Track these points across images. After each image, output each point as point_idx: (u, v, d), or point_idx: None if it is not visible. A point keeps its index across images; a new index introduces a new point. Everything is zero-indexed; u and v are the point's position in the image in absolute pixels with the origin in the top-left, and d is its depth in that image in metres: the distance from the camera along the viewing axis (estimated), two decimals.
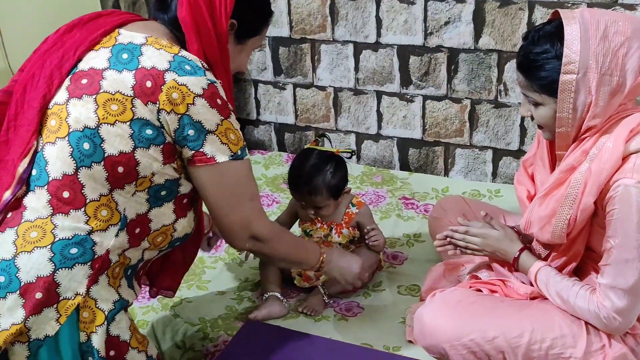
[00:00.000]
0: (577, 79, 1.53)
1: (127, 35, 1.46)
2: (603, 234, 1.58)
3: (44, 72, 1.47)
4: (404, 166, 3.07)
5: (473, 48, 2.76)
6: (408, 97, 2.95)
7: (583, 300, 1.62)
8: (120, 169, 1.41)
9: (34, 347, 1.39)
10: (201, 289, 2.20)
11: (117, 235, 1.44)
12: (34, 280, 1.37)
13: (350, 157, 2.13)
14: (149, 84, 1.38)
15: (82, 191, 1.41)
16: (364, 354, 1.84)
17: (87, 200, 1.41)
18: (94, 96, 1.40)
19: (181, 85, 1.39)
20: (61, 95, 1.44)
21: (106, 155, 1.40)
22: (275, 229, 1.67)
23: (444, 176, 3.00)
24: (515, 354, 1.67)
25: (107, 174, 1.40)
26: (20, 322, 1.36)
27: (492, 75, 2.76)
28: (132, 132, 1.39)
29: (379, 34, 2.90)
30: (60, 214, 1.41)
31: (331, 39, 3.00)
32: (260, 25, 1.62)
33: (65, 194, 1.40)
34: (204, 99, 1.40)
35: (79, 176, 1.40)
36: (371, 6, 2.86)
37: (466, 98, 2.84)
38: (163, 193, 1.48)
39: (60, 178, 1.41)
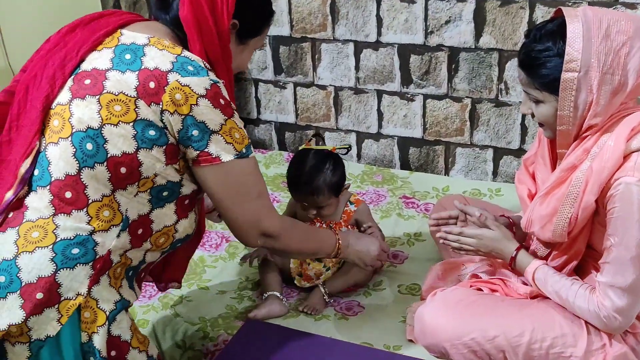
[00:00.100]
0: (578, 77, 1.53)
1: (129, 35, 1.46)
2: (604, 233, 1.58)
3: (46, 72, 1.46)
4: (405, 165, 3.07)
5: (474, 47, 2.75)
6: (409, 96, 2.95)
7: (583, 299, 1.62)
8: (123, 170, 1.40)
9: (35, 348, 1.39)
10: (201, 288, 2.20)
11: (118, 236, 1.44)
12: (35, 281, 1.37)
13: (346, 153, 2.13)
14: (152, 84, 1.38)
15: (85, 191, 1.41)
16: (365, 353, 1.84)
17: (90, 201, 1.41)
18: (97, 97, 1.40)
19: (184, 86, 1.39)
20: (64, 96, 1.44)
21: (109, 155, 1.39)
22: (285, 224, 1.66)
23: (445, 175, 3.00)
24: (516, 353, 1.67)
25: (109, 175, 1.40)
26: (19, 322, 1.35)
27: (492, 74, 2.76)
28: (135, 132, 1.39)
29: (379, 33, 2.90)
30: (62, 214, 1.41)
31: (332, 38, 2.99)
32: (261, 25, 1.62)
33: (68, 194, 1.40)
34: (207, 100, 1.40)
35: (81, 176, 1.40)
36: (372, 5, 2.86)
37: (467, 97, 2.84)
38: (165, 194, 1.48)
39: (63, 178, 1.40)
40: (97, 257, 1.42)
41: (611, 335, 1.63)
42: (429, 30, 2.80)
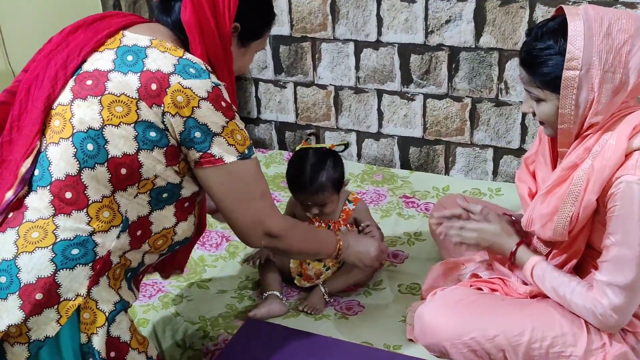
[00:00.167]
0: (579, 76, 1.53)
1: (131, 37, 1.46)
2: (604, 232, 1.58)
3: (48, 72, 1.46)
4: (405, 165, 3.07)
5: (474, 46, 2.75)
6: (409, 95, 2.95)
7: (579, 296, 1.62)
8: (124, 171, 1.40)
9: (34, 348, 1.38)
10: (202, 287, 2.20)
11: (118, 237, 1.44)
12: (34, 281, 1.36)
13: (343, 150, 2.13)
14: (154, 86, 1.38)
15: (85, 192, 1.40)
16: (365, 352, 1.84)
17: (90, 202, 1.41)
18: (98, 97, 1.40)
19: (186, 88, 1.39)
20: (65, 96, 1.44)
21: (110, 156, 1.39)
22: (289, 224, 1.67)
23: (445, 175, 3.00)
24: (516, 352, 1.67)
25: (110, 176, 1.40)
26: (18, 322, 1.35)
27: (492, 73, 2.76)
28: (136, 134, 1.39)
29: (379, 33, 2.89)
30: (62, 214, 1.40)
31: (332, 38, 2.99)
32: (263, 28, 1.62)
33: (68, 195, 1.40)
34: (208, 102, 1.40)
35: (82, 177, 1.40)
36: (372, 5, 2.86)
37: (467, 96, 2.84)
38: (165, 196, 1.48)
39: (63, 179, 1.40)
40: (97, 258, 1.42)
41: (611, 334, 1.63)
42: (429, 30, 2.80)
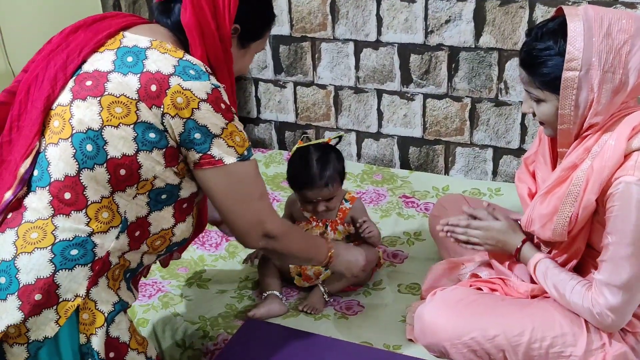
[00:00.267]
0: (579, 76, 1.53)
1: (131, 38, 1.46)
2: (603, 232, 1.58)
3: (48, 73, 1.46)
4: (405, 165, 3.07)
5: (474, 46, 2.75)
6: (408, 95, 2.95)
7: (578, 296, 1.62)
8: (123, 172, 1.40)
9: (33, 349, 1.38)
10: (201, 287, 2.20)
11: (117, 238, 1.44)
12: (34, 282, 1.36)
13: (338, 142, 2.15)
14: (153, 87, 1.38)
15: (84, 193, 1.40)
16: (364, 352, 1.84)
17: (89, 202, 1.41)
18: (98, 98, 1.40)
19: (186, 89, 1.39)
20: (65, 97, 1.44)
21: (109, 157, 1.39)
22: (286, 226, 1.69)
23: (445, 175, 3.00)
24: (516, 352, 1.67)
25: (109, 176, 1.40)
26: (17, 323, 1.35)
27: (492, 73, 2.76)
28: (135, 135, 1.39)
29: (379, 33, 2.89)
30: (61, 215, 1.40)
31: (332, 38, 2.99)
32: (262, 29, 1.62)
33: (67, 195, 1.40)
34: (208, 104, 1.40)
35: (81, 178, 1.40)
36: (372, 4, 2.86)
37: (467, 96, 2.84)
38: (163, 197, 1.48)
39: (62, 179, 1.40)
40: (96, 258, 1.42)
41: (611, 334, 1.64)
42: (429, 30, 2.80)
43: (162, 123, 1.40)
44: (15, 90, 1.51)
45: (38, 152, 1.44)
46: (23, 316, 1.35)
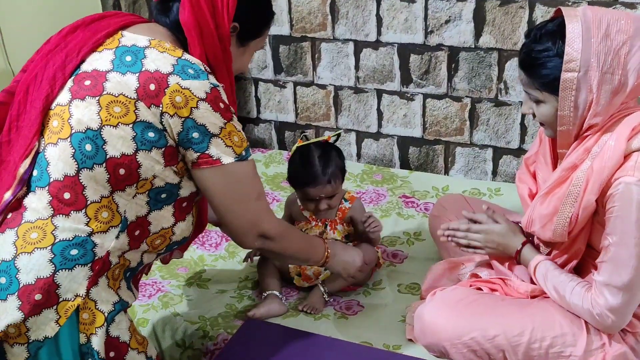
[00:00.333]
0: (578, 77, 1.53)
1: (130, 37, 1.46)
2: (603, 232, 1.58)
3: (46, 72, 1.46)
4: (404, 165, 3.07)
5: (473, 46, 2.75)
6: (408, 95, 2.95)
7: (578, 297, 1.62)
8: (122, 171, 1.40)
9: (33, 349, 1.39)
10: (201, 287, 2.20)
11: (117, 237, 1.44)
12: (33, 282, 1.36)
13: (337, 140, 2.16)
14: (152, 87, 1.38)
15: (83, 192, 1.40)
16: (364, 352, 1.84)
17: (88, 202, 1.41)
18: (97, 98, 1.39)
19: (184, 89, 1.38)
20: (64, 96, 1.43)
21: (108, 157, 1.39)
22: (283, 227, 1.68)
23: (444, 175, 3.00)
24: (516, 352, 1.67)
25: (108, 176, 1.40)
26: (16, 322, 1.35)
27: (492, 73, 2.76)
28: (134, 134, 1.39)
29: (379, 33, 2.89)
30: (61, 215, 1.40)
31: (331, 38, 2.99)
32: (262, 27, 1.62)
33: (66, 195, 1.40)
34: (207, 103, 1.40)
35: (80, 177, 1.40)
36: (372, 4, 2.86)
37: (466, 96, 2.84)
38: (163, 196, 1.47)
39: (62, 179, 1.40)
40: (96, 258, 1.42)
41: (611, 334, 1.64)
42: (428, 30, 2.80)
43: (161, 122, 1.40)
44: (14, 91, 1.51)
45: (37, 152, 1.44)
46: (23, 316, 1.35)
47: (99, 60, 1.44)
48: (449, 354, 1.73)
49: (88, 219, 1.41)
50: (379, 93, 3.00)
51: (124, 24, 1.50)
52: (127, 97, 1.38)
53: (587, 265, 1.71)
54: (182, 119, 1.39)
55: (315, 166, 2.04)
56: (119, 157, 1.39)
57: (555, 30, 1.57)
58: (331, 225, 2.14)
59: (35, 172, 1.43)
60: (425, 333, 1.78)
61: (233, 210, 1.52)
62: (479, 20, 2.70)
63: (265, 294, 2.06)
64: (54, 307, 1.38)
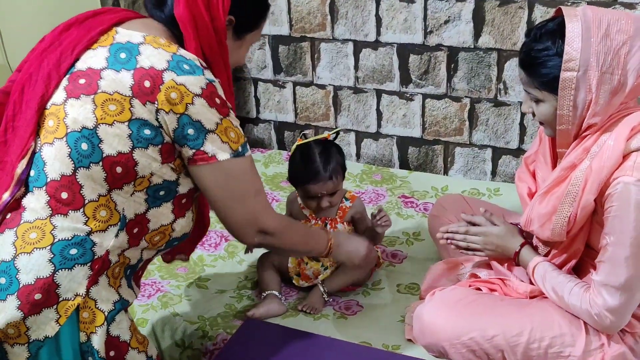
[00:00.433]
0: (577, 77, 1.53)
1: (124, 33, 1.45)
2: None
3: (41, 72, 1.45)
4: (404, 165, 3.07)
5: (473, 47, 2.75)
6: (408, 95, 2.95)
7: (576, 297, 1.62)
8: (119, 169, 1.40)
9: (34, 348, 1.39)
10: (200, 287, 2.20)
11: (117, 236, 1.44)
12: (33, 282, 1.36)
13: (337, 137, 2.16)
14: (147, 83, 1.37)
15: (81, 192, 1.40)
16: (363, 352, 1.84)
17: (86, 201, 1.40)
18: (92, 96, 1.39)
19: (180, 85, 1.37)
20: (59, 96, 1.43)
21: (104, 155, 1.39)
22: (283, 221, 1.66)
23: (444, 175, 3.00)
24: (515, 352, 1.67)
25: (105, 175, 1.40)
26: (15, 320, 1.35)
27: (491, 73, 2.76)
28: (130, 132, 1.38)
29: (378, 33, 2.89)
30: (59, 214, 1.40)
31: (331, 38, 2.99)
32: (258, 19, 1.60)
33: (64, 195, 1.40)
34: (202, 99, 1.39)
35: (77, 177, 1.39)
36: (371, 5, 2.86)
37: (466, 97, 2.84)
38: (162, 193, 1.47)
39: (59, 179, 1.40)
40: (96, 257, 1.41)
41: (610, 335, 1.64)
42: (428, 30, 2.80)
43: (157, 119, 1.39)
44: (9, 91, 1.50)
45: (34, 152, 1.43)
46: (22, 315, 1.35)
47: (94, 58, 1.42)
48: (448, 354, 1.73)
49: (86, 218, 1.41)
50: (379, 93, 3.00)
51: (118, 20, 1.49)
52: (122, 94, 1.37)
53: (586, 265, 1.71)
54: (178, 116, 1.38)
55: (316, 163, 2.04)
56: (115, 155, 1.39)
57: (555, 29, 1.57)
58: (331, 224, 2.14)
59: (32, 173, 1.43)
60: (424, 333, 1.78)
61: (231, 207, 1.51)
62: (478, 20, 2.70)
63: (265, 294, 2.06)
64: (54, 306, 1.38)
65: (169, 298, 2.13)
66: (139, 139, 1.39)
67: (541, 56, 1.57)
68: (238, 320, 2.01)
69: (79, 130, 1.39)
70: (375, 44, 2.92)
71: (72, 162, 1.39)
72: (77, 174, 1.39)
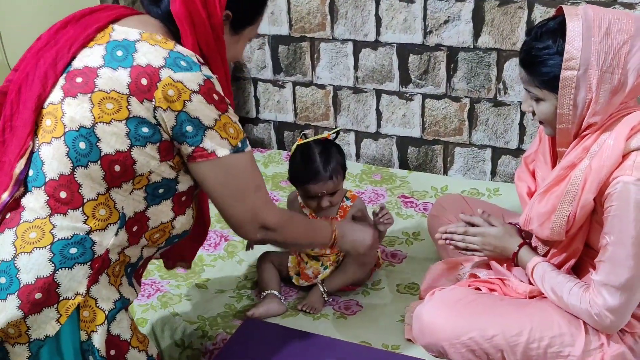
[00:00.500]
0: (577, 76, 1.53)
1: (121, 31, 1.44)
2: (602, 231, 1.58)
3: (38, 71, 1.44)
4: (403, 165, 3.07)
5: (472, 47, 2.75)
6: (407, 95, 2.95)
7: (576, 297, 1.62)
8: (117, 168, 1.39)
9: (35, 348, 1.38)
10: (200, 287, 2.20)
11: (116, 234, 1.43)
12: (33, 282, 1.36)
13: (337, 137, 2.16)
14: (144, 81, 1.36)
15: (79, 191, 1.40)
16: (363, 352, 1.84)
17: (85, 200, 1.40)
18: (89, 95, 1.38)
19: (177, 82, 1.37)
20: (56, 95, 1.42)
21: (102, 154, 1.38)
22: (284, 216, 1.65)
23: (443, 175, 3.00)
24: (514, 352, 1.67)
25: (104, 173, 1.39)
26: (15, 320, 1.35)
27: (491, 73, 2.76)
28: (128, 130, 1.38)
29: (378, 33, 2.89)
30: (59, 214, 1.40)
31: (330, 38, 2.99)
32: (255, 14, 1.58)
33: (63, 194, 1.39)
34: (200, 95, 1.38)
35: (75, 176, 1.39)
36: (371, 5, 2.86)
37: (465, 97, 2.84)
38: (161, 191, 1.47)
39: (57, 178, 1.40)
40: (96, 256, 1.41)
41: (609, 335, 1.64)
42: (427, 30, 2.80)
43: (155, 117, 1.38)
44: (7, 91, 1.49)
45: (32, 152, 1.43)
46: (22, 314, 1.35)
47: (90, 56, 1.42)
48: (447, 353, 1.73)
49: (86, 217, 1.40)
50: (378, 93, 3.00)
51: (115, 17, 1.48)
52: (119, 93, 1.37)
53: (586, 265, 1.71)
54: (176, 113, 1.38)
55: (316, 162, 2.04)
56: (113, 154, 1.38)
57: (556, 28, 1.57)
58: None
59: (31, 172, 1.42)
60: (423, 333, 1.78)
61: (232, 203, 1.50)
62: (478, 20, 2.70)
63: (264, 294, 2.06)
64: (55, 305, 1.38)
65: (168, 298, 2.13)
66: (137, 137, 1.38)
67: (542, 55, 1.58)
68: (238, 320, 2.01)
69: (77, 129, 1.38)
70: (375, 44, 2.92)
71: (71, 161, 1.39)
72: (75, 173, 1.39)
